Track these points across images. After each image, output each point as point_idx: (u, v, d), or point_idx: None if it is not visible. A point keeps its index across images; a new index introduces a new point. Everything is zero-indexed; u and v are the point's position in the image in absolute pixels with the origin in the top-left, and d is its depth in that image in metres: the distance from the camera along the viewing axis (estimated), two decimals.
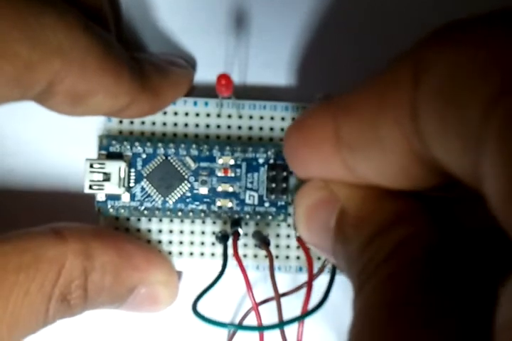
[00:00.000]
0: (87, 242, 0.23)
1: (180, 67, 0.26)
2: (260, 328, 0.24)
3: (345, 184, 0.18)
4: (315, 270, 0.25)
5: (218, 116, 0.26)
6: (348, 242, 0.18)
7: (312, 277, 0.23)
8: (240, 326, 0.25)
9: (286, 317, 0.24)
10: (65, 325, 0.26)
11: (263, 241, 0.25)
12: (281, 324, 0.23)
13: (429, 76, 0.15)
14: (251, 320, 0.25)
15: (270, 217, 0.26)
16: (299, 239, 0.24)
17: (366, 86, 0.17)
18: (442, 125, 0.14)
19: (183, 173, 0.25)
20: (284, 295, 0.25)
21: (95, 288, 0.23)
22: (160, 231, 0.26)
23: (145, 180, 0.25)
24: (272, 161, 0.26)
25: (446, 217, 0.17)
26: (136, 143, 0.25)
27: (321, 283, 0.23)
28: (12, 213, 0.27)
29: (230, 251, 0.24)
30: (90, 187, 0.25)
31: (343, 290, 0.26)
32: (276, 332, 0.23)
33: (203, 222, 0.26)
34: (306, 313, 0.22)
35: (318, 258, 0.26)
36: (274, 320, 0.24)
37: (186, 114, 0.26)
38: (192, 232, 0.26)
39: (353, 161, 0.17)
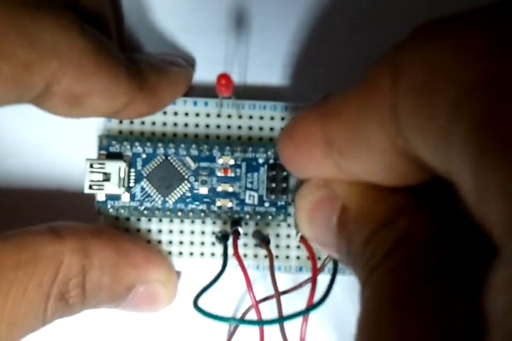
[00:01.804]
0: (84, 240, 0.23)
1: (179, 66, 0.26)
2: (261, 322, 0.24)
3: (344, 182, 0.19)
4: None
5: (218, 116, 0.26)
6: (351, 238, 0.18)
7: (316, 272, 0.23)
8: (241, 320, 0.25)
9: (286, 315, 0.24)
10: (66, 324, 0.26)
11: (263, 240, 0.25)
12: (283, 318, 0.23)
13: (406, 78, 0.15)
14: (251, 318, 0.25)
15: (270, 217, 0.26)
16: (302, 238, 0.25)
17: (350, 90, 0.18)
18: (418, 123, 0.15)
19: (183, 173, 0.25)
20: (284, 293, 0.25)
21: (93, 286, 0.23)
22: (160, 231, 0.26)
23: (145, 180, 0.25)
24: (271, 161, 0.26)
25: (444, 208, 0.17)
26: (136, 143, 0.25)
27: (319, 282, 0.23)
28: (12, 213, 0.27)
29: (230, 251, 0.24)
30: (90, 187, 0.25)
31: (344, 289, 0.27)
32: (277, 333, 0.24)
33: (203, 222, 0.26)
34: (308, 308, 0.22)
35: (319, 258, 0.26)
36: (275, 316, 0.24)
37: (186, 114, 0.26)
38: (192, 232, 0.26)
39: (344, 163, 0.18)
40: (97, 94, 0.23)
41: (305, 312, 0.22)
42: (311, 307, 0.22)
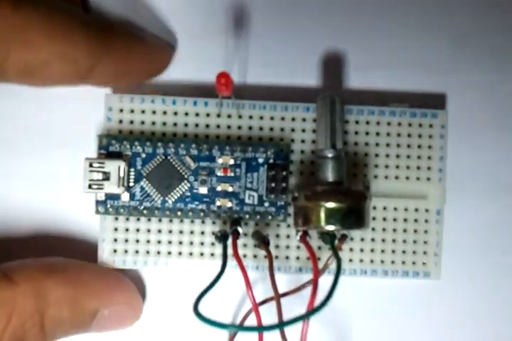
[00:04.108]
0: (37, 281, 0.23)
1: (159, 42, 0.26)
2: (260, 329, 0.24)
3: None
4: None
5: (218, 116, 0.26)
6: None
7: (317, 275, 0.23)
8: (241, 327, 0.25)
9: (286, 317, 0.24)
10: None
11: (262, 241, 0.25)
12: (283, 324, 0.22)
13: None
14: (252, 320, 0.24)
15: (270, 217, 0.26)
16: (302, 238, 0.24)
17: None
18: None
19: (183, 173, 0.25)
20: (284, 295, 0.25)
21: (53, 322, 0.23)
22: (159, 231, 0.26)
23: (144, 179, 0.25)
24: (271, 161, 0.25)
25: None
26: (136, 143, 0.25)
27: (321, 283, 0.22)
28: (11, 212, 0.27)
29: (230, 251, 0.24)
30: (90, 186, 0.25)
31: (345, 289, 0.27)
32: (277, 334, 0.23)
33: (203, 222, 0.26)
34: (310, 312, 0.21)
35: (319, 259, 0.26)
36: (275, 319, 0.23)
37: (186, 114, 0.26)
38: (191, 232, 0.26)
39: None
40: (55, 61, 0.22)
41: (306, 317, 0.22)
42: (312, 311, 0.21)
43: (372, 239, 0.26)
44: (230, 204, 0.26)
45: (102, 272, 0.25)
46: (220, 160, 0.25)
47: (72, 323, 0.24)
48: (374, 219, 0.26)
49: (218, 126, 0.26)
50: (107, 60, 0.23)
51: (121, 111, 0.26)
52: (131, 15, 0.27)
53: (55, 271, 0.24)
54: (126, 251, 0.26)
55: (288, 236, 0.26)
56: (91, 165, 0.25)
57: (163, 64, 0.26)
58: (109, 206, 0.25)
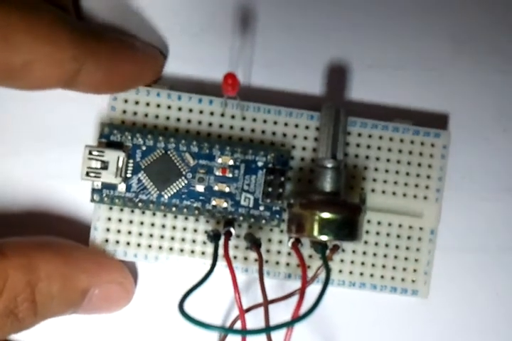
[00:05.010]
0: (29, 255, 0.23)
1: (151, 49, 0.26)
2: (245, 332, 0.23)
3: None
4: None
5: (222, 115, 0.26)
6: None
7: (306, 284, 0.23)
8: (225, 329, 0.25)
9: (273, 323, 0.24)
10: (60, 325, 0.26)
11: (254, 243, 0.25)
12: (268, 329, 0.22)
13: None
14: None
15: (264, 221, 0.26)
16: (294, 245, 0.24)
17: None
18: None
19: (181, 169, 0.25)
20: (272, 301, 0.24)
21: (44, 297, 0.23)
22: (152, 224, 0.26)
23: (142, 172, 0.25)
24: (270, 165, 0.25)
25: None
26: (138, 135, 0.25)
27: (310, 291, 0.22)
28: (10, 200, 0.27)
29: (221, 251, 0.24)
30: (87, 174, 0.25)
31: (332, 299, 0.26)
32: (263, 337, 0.23)
33: (197, 220, 0.26)
34: (295, 319, 0.22)
35: (308, 267, 0.26)
36: (262, 325, 0.23)
37: (190, 111, 0.26)
38: (184, 229, 0.26)
39: None
40: (38, 62, 0.22)
41: (290, 324, 0.22)
42: (297, 319, 0.21)
43: (364, 253, 0.26)
44: (225, 205, 0.26)
45: (94, 252, 0.26)
46: (219, 160, 0.25)
47: (63, 299, 0.24)
48: (367, 232, 0.26)
49: (221, 126, 0.26)
50: (93, 65, 0.23)
51: (125, 101, 0.26)
52: (135, 13, 0.27)
53: (48, 247, 0.24)
54: (117, 242, 0.26)
55: (280, 242, 0.26)
56: (90, 153, 0.25)
57: (153, 72, 0.26)
58: (104, 195, 0.25)
